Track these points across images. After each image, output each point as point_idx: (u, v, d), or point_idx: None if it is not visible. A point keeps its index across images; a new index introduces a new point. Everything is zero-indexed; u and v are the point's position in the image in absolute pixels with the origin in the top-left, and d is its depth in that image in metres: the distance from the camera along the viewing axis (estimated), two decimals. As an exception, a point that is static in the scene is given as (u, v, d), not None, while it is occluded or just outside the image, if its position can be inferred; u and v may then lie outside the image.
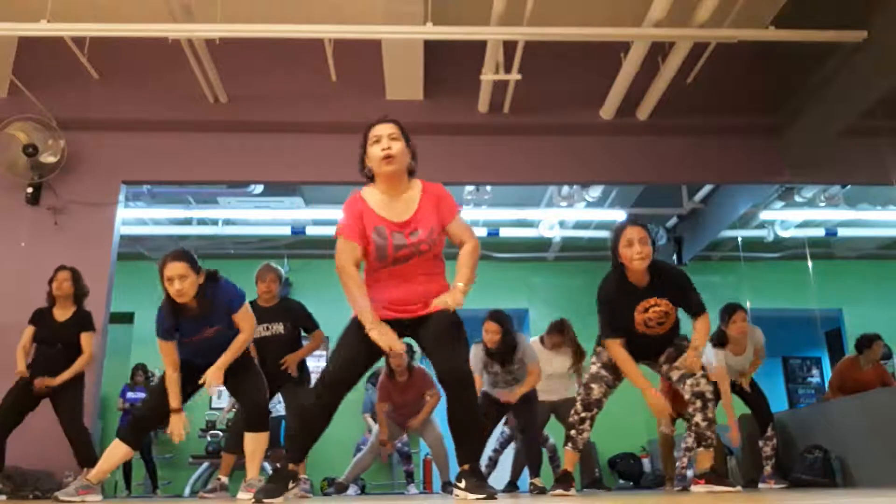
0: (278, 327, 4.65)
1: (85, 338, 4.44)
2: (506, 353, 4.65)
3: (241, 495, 3.50)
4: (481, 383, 4.76)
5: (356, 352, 2.56)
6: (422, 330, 2.60)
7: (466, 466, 2.53)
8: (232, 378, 3.43)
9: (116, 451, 3.33)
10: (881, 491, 3.25)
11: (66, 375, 4.35)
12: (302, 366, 4.68)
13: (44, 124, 5.32)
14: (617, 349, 3.39)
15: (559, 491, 3.42)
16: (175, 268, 3.15)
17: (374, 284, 2.63)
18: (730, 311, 4.78)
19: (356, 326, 2.56)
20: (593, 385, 3.49)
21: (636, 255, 3.28)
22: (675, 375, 3.43)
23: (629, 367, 3.37)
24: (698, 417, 3.33)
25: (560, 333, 5.34)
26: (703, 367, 3.43)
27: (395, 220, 2.60)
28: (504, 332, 4.60)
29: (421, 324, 2.60)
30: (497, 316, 4.64)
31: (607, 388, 3.49)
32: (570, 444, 3.50)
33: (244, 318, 3.42)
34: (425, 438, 5.56)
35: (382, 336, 2.46)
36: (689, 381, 3.35)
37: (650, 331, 3.38)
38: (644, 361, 3.55)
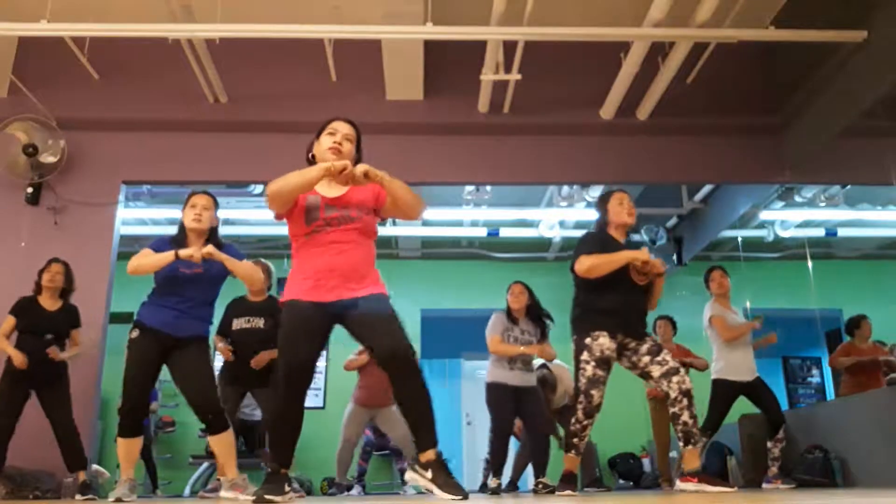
0: (258, 321, 4.67)
1: (76, 333, 4.53)
2: (533, 316, 4.84)
3: (223, 493, 3.44)
4: (499, 340, 4.72)
5: (303, 331, 2.50)
6: (352, 318, 2.53)
7: (432, 455, 2.38)
8: (176, 366, 3.37)
9: (130, 448, 3.34)
10: (881, 491, 3.25)
11: (73, 351, 4.46)
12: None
13: (44, 124, 5.32)
14: (594, 257, 3.44)
15: (567, 491, 3.42)
16: (202, 198, 3.48)
17: (301, 253, 2.61)
18: (707, 272, 5.04)
19: (292, 311, 2.53)
20: (593, 392, 3.41)
21: (627, 212, 3.60)
22: (656, 372, 3.40)
23: (617, 256, 3.43)
24: (686, 416, 3.31)
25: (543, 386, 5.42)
26: (682, 364, 3.45)
27: (329, 195, 2.64)
28: (530, 294, 4.86)
29: (348, 311, 2.52)
30: (521, 281, 4.94)
31: (603, 387, 3.45)
32: (573, 452, 3.47)
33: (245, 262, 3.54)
34: (393, 434, 5.53)
35: (334, 162, 2.53)
36: (675, 379, 3.34)
37: (636, 277, 3.48)
38: (624, 335, 3.49)
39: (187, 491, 7.05)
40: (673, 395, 3.34)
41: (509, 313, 4.82)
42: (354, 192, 2.65)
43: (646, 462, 7.79)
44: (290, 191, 2.57)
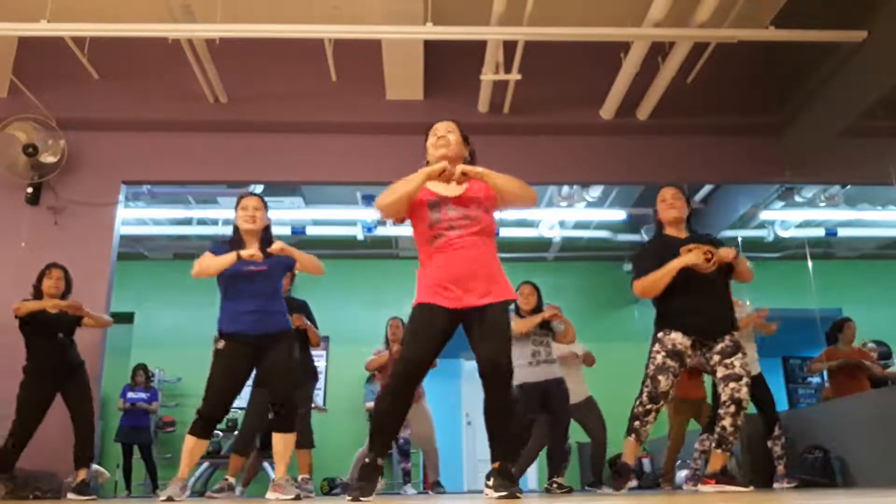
0: None
1: (86, 319, 4.49)
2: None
3: (268, 495, 3.45)
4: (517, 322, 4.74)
5: (427, 333, 2.56)
6: (473, 323, 2.61)
7: (497, 465, 2.54)
8: (265, 363, 3.43)
9: (194, 448, 3.37)
10: (881, 491, 3.25)
11: (94, 315, 4.51)
12: (305, 367, 4.66)
13: (44, 124, 5.32)
14: (644, 280, 3.42)
15: (610, 489, 3.41)
16: (252, 199, 3.56)
17: (429, 261, 2.67)
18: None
19: (422, 313, 2.59)
20: (660, 377, 3.38)
21: (668, 206, 3.61)
22: (720, 373, 3.38)
23: (667, 268, 3.38)
24: (727, 421, 3.32)
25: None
26: (746, 374, 3.36)
27: (448, 194, 2.70)
28: (538, 295, 4.85)
29: (472, 317, 2.60)
30: (530, 282, 4.91)
31: (674, 378, 3.41)
32: (633, 436, 3.43)
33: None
34: (417, 433, 5.54)
35: (441, 164, 2.63)
36: (731, 385, 3.32)
37: (703, 269, 3.42)
38: (700, 336, 3.44)
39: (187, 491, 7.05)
40: (724, 398, 3.35)
41: (517, 313, 4.82)
42: (473, 191, 2.72)
43: (646, 462, 7.78)
44: (396, 199, 2.65)
